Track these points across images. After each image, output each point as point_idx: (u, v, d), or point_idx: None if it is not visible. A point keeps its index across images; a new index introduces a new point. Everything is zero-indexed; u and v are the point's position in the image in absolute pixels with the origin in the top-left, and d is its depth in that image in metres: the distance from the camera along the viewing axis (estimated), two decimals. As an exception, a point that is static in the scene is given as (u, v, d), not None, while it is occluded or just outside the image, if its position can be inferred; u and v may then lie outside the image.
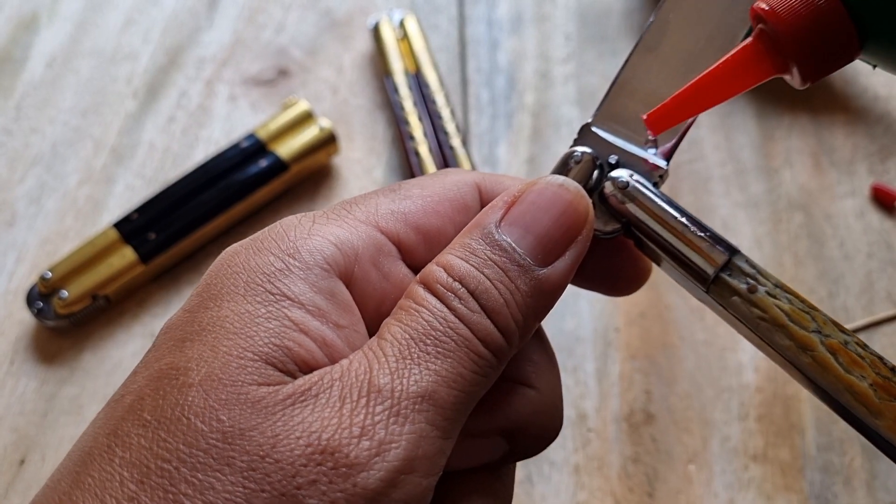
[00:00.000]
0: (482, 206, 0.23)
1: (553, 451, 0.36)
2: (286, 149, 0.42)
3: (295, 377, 0.19)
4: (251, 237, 0.21)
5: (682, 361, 0.38)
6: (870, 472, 0.35)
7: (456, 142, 0.43)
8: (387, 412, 0.18)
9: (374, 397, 0.18)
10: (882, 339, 0.39)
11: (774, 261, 0.41)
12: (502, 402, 0.22)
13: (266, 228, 0.21)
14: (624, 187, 0.22)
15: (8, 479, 0.35)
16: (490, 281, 0.20)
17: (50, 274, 0.39)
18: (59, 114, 0.46)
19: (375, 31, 0.47)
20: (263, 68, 0.48)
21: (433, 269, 0.20)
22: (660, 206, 0.22)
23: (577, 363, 0.38)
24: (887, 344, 0.38)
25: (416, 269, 0.22)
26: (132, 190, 0.43)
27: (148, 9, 0.50)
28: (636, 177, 0.22)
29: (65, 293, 0.38)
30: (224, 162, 0.42)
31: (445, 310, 0.20)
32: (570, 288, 0.40)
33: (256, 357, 0.18)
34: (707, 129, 0.46)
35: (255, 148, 0.42)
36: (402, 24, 0.47)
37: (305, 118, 0.44)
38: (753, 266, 0.21)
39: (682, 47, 0.23)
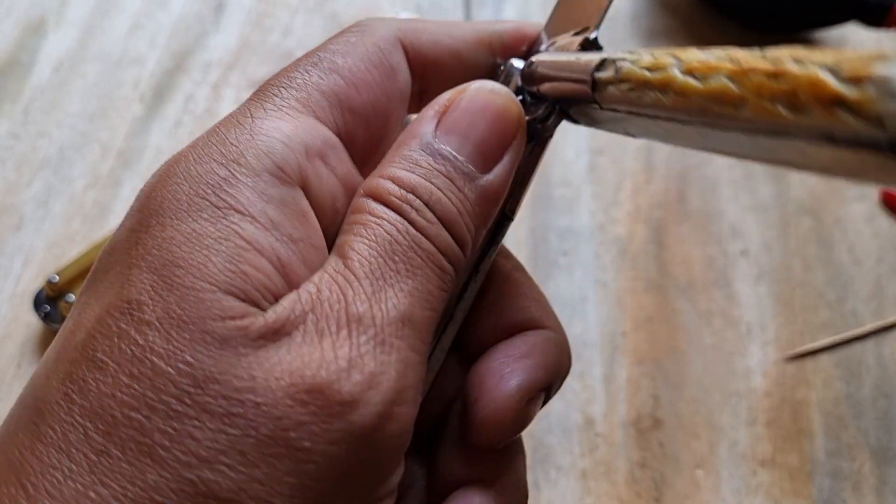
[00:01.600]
0: (409, 65, 0.22)
1: (560, 455, 0.36)
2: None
3: (259, 306, 0.17)
4: (192, 142, 0.19)
5: (689, 366, 0.38)
6: (879, 478, 0.35)
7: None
8: (372, 342, 0.17)
9: (356, 327, 0.17)
10: (892, 343, 0.38)
11: (783, 265, 0.41)
12: (538, 353, 0.21)
13: (206, 132, 0.20)
14: (530, 65, 0.22)
15: (14, 483, 0.35)
16: (441, 191, 0.19)
17: (57, 278, 0.39)
18: (67, 118, 0.46)
19: (382, 35, 0.47)
20: (270, 72, 0.48)
21: (381, 182, 0.19)
22: (554, 55, 0.21)
23: (584, 368, 0.38)
24: (897, 349, 0.38)
25: (358, 159, 0.21)
26: (139, 194, 0.43)
27: (155, 13, 0.51)
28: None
29: (72, 297, 0.38)
30: (230, 166, 0.42)
31: (405, 223, 0.19)
32: (576, 292, 0.40)
33: (214, 287, 0.17)
34: (714, 132, 0.45)
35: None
36: (408, 28, 0.47)
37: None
38: (627, 53, 0.18)
39: None
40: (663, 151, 0.45)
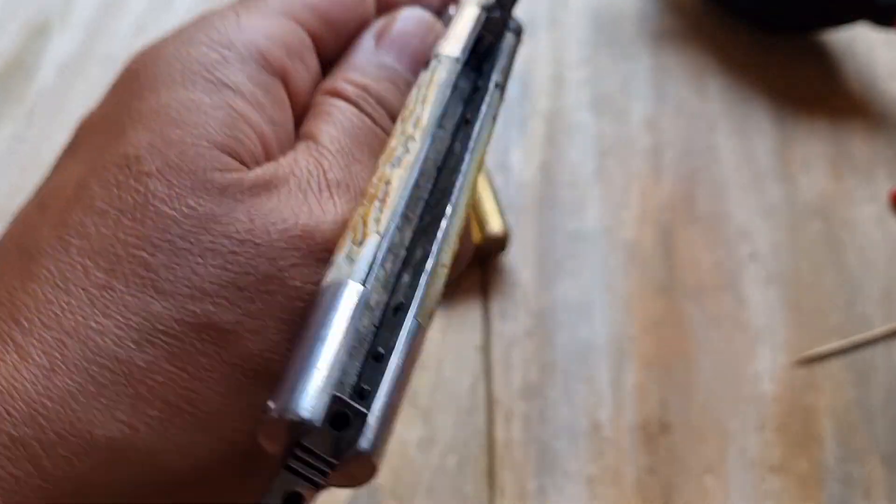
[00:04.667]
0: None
1: (567, 461, 0.35)
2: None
3: (249, 168, 0.19)
4: (174, 32, 0.21)
5: (698, 371, 0.38)
6: (890, 484, 0.35)
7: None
8: (351, 203, 0.19)
9: (335, 190, 0.19)
10: (902, 348, 0.38)
11: (792, 268, 0.41)
12: None
13: (189, 23, 0.21)
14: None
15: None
16: (388, 91, 0.22)
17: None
18: (71, 120, 0.46)
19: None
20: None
21: (339, 83, 0.21)
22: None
23: (591, 372, 0.38)
24: (908, 353, 0.38)
25: (325, 62, 0.23)
26: (143, 197, 0.43)
27: (159, 15, 0.50)
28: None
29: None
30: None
31: (363, 115, 0.21)
32: (584, 296, 0.40)
33: (212, 145, 0.18)
34: (723, 133, 0.45)
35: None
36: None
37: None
38: (433, 70, 0.22)
39: None
40: (671, 153, 0.44)
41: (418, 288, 0.17)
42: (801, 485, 0.35)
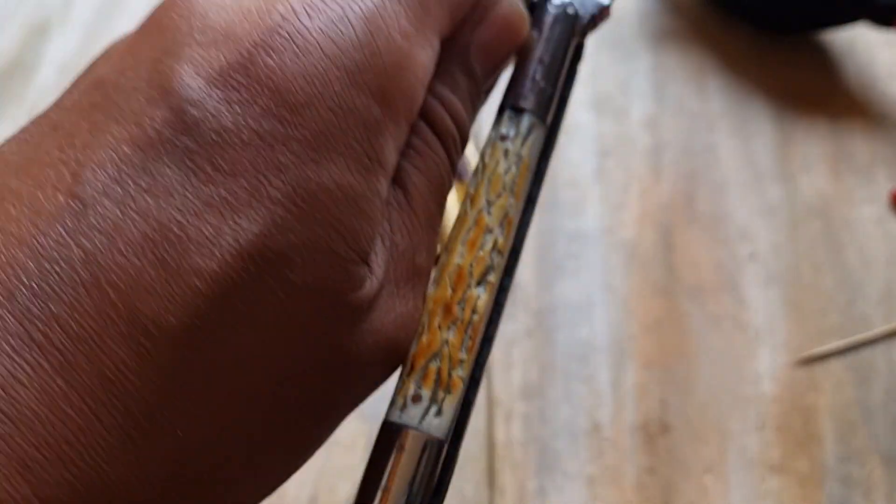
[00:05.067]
0: None
1: (567, 461, 0.35)
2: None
3: (370, 268, 0.18)
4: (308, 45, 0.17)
5: (698, 370, 0.38)
6: (890, 484, 0.35)
7: (469, 149, 0.42)
8: (421, 292, 0.19)
9: (416, 280, 0.18)
10: (902, 348, 0.38)
11: (792, 268, 0.41)
12: None
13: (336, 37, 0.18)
14: (560, 5, 0.22)
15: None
16: (466, 115, 0.20)
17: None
18: (71, 120, 0.46)
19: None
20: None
21: (439, 111, 0.19)
22: (553, 35, 0.22)
23: (591, 372, 0.38)
24: (908, 353, 0.38)
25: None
26: (143, 196, 0.43)
27: (160, 15, 0.50)
28: (572, 7, 0.22)
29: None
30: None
31: (447, 161, 0.19)
32: (584, 296, 0.40)
33: (357, 255, 0.17)
34: (723, 133, 0.45)
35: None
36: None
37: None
38: (528, 135, 0.21)
39: None
40: (671, 153, 0.44)
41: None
42: (800, 484, 0.35)
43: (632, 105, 0.46)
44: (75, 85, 0.18)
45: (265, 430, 0.16)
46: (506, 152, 0.20)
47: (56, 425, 0.13)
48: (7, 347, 0.14)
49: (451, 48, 0.20)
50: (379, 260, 0.17)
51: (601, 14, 0.23)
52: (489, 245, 0.19)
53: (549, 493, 0.35)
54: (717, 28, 0.49)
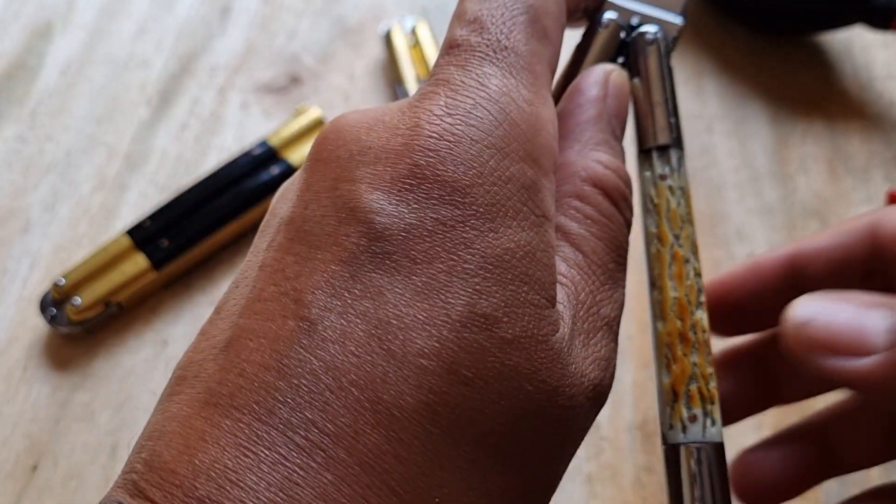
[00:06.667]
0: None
1: (565, 459, 0.36)
2: (298, 156, 0.42)
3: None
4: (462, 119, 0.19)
5: (695, 370, 0.38)
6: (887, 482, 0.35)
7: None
8: (614, 342, 0.20)
9: (606, 331, 0.20)
10: (899, 347, 0.38)
11: (789, 268, 0.41)
12: None
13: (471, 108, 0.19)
14: (651, 42, 0.24)
15: (21, 485, 0.36)
16: (626, 173, 0.22)
17: (63, 280, 0.39)
18: (73, 121, 0.46)
19: (387, 38, 0.47)
20: (275, 75, 0.48)
21: (604, 172, 0.21)
22: (661, 73, 0.24)
23: (589, 371, 0.38)
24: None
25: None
26: (145, 197, 0.44)
27: (161, 17, 0.51)
28: (661, 35, 0.24)
29: (78, 300, 0.38)
30: (236, 169, 0.42)
31: (623, 222, 0.21)
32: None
33: (549, 303, 0.18)
34: (721, 135, 0.45)
35: (266, 155, 0.42)
36: (413, 31, 0.47)
37: (317, 125, 0.44)
38: (679, 166, 0.23)
39: None
40: (669, 154, 0.45)
41: None
42: (797, 483, 0.35)
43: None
44: (265, 229, 0.20)
45: (507, 479, 0.17)
46: (671, 189, 0.23)
47: None
48: (279, 457, 0.16)
49: (598, 122, 0.22)
50: (563, 302, 0.19)
51: (679, 34, 0.25)
52: (692, 273, 0.22)
53: (548, 492, 0.35)
54: (715, 30, 0.49)
